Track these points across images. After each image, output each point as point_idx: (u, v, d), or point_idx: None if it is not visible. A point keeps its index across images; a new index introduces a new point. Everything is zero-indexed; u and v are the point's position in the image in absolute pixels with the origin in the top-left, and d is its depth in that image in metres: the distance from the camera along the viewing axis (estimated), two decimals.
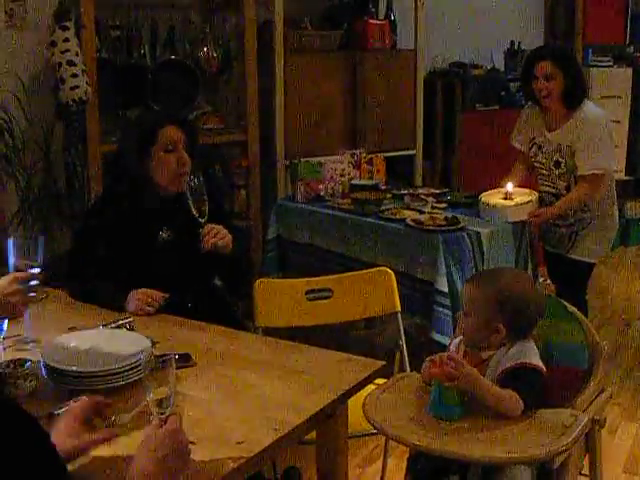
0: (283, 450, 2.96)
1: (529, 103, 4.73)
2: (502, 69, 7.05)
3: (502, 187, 4.63)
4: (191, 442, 2.10)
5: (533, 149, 4.65)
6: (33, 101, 4.81)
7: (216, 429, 2.20)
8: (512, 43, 7.07)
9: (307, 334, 3.38)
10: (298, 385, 2.46)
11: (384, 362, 2.60)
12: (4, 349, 2.67)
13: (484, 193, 4.64)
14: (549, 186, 4.58)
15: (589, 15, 7.44)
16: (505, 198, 4.55)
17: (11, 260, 2.65)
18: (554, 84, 4.38)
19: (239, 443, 2.10)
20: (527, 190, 4.64)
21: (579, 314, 2.72)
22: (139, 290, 3.09)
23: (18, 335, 2.81)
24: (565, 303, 2.74)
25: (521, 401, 2.35)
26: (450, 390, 2.36)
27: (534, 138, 4.62)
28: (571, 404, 2.47)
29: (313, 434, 2.55)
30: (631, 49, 7.80)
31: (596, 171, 4.35)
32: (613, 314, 5.99)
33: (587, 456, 2.66)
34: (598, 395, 2.59)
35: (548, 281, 5.26)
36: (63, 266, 3.37)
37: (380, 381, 2.63)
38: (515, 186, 4.63)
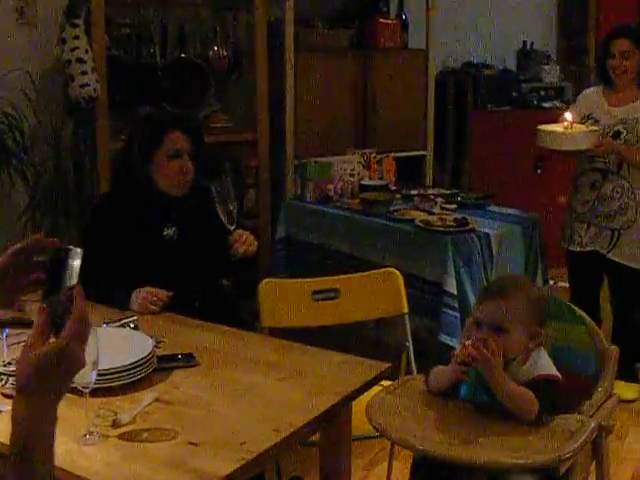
0: (287, 452, 2.98)
1: (585, 90, 4.74)
2: (514, 69, 6.99)
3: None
4: (193, 443, 2.10)
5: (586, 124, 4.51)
6: (43, 99, 4.80)
7: (218, 430, 2.18)
8: (524, 43, 7.02)
9: (314, 334, 3.36)
10: (301, 386, 2.45)
11: (390, 364, 2.58)
12: (8, 347, 2.65)
13: (541, 125, 4.50)
14: (599, 162, 4.44)
15: (602, 13, 7.38)
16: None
17: None
18: (631, 62, 4.37)
19: (241, 444, 2.08)
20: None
21: (587, 318, 2.69)
22: (143, 289, 3.08)
23: (22, 332, 2.81)
24: (574, 307, 2.71)
25: (537, 403, 2.32)
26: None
27: (591, 114, 4.50)
28: (578, 410, 2.44)
29: (317, 436, 2.54)
30: None
31: None
32: None
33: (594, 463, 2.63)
34: (606, 401, 2.55)
35: (560, 284, 5.26)
36: None
37: (386, 383, 2.61)
38: None
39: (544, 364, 2.44)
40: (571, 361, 2.61)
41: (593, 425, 2.32)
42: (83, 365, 1.52)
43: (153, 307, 3.04)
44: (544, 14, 7.41)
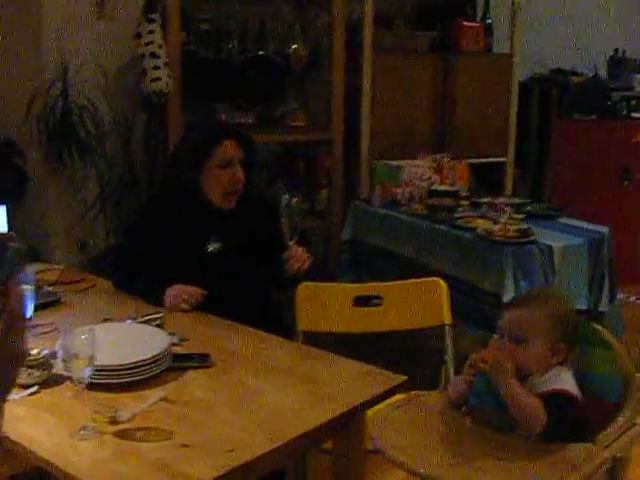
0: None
1: None
2: (605, 77, 6.80)
3: None
4: (185, 445, 2.09)
5: None
6: (117, 92, 4.86)
7: (212, 434, 2.16)
8: (616, 51, 6.83)
9: (358, 341, 3.32)
10: (310, 395, 2.40)
11: (406, 377, 2.51)
12: (36, 336, 2.68)
13: None
14: None
15: None
16: None
17: None
18: None
19: (230, 451, 2.05)
20: None
21: (614, 342, 2.58)
22: (177, 286, 3.07)
23: (52, 323, 2.84)
24: (600, 329, 2.61)
25: (544, 417, 2.25)
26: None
27: None
28: (594, 438, 2.34)
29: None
30: None
31: None
32: None
33: None
34: (626, 431, 2.44)
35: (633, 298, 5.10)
36: (110, 257, 3.39)
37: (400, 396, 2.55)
38: None
39: (564, 380, 2.36)
40: (595, 386, 2.51)
41: (603, 457, 2.22)
42: (24, 355, 1.49)
43: (184, 305, 3.03)
44: (638, 22, 7.20)
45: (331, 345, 2.86)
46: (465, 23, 5.62)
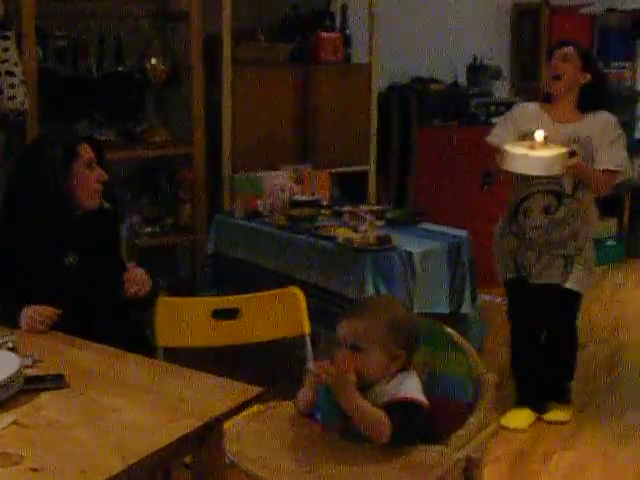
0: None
1: (520, 103, 4.53)
2: (465, 84, 6.95)
3: (524, 139, 3.99)
4: (34, 469, 2.06)
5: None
6: None
7: (64, 456, 2.12)
8: (475, 58, 6.99)
9: (223, 355, 3.33)
10: (167, 411, 2.39)
11: (262, 389, 2.53)
12: None
13: (507, 145, 3.90)
14: (552, 183, 4.07)
15: (554, 29, 7.37)
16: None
17: None
18: (569, 66, 4.04)
19: (82, 472, 2.03)
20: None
21: (466, 344, 2.65)
22: (31, 307, 3.02)
23: None
24: (452, 332, 2.67)
25: (388, 425, 2.29)
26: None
27: (533, 132, 3.88)
28: (447, 440, 2.40)
29: None
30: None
31: (619, 168, 4.06)
32: None
33: None
34: (480, 431, 2.51)
35: (499, 300, 5.21)
36: None
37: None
38: None
39: (408, 387, 2.40)
40: (448, 388, 2.57)
41: (455, 457, 2.27)
42: None
43: (40, 327, 2.98)
44: (497, 30, 7.40)
45: (195, 361, 2.86)
46: (323, 34, 5.69)
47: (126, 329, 3.26)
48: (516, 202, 4.24)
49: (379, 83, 6.05)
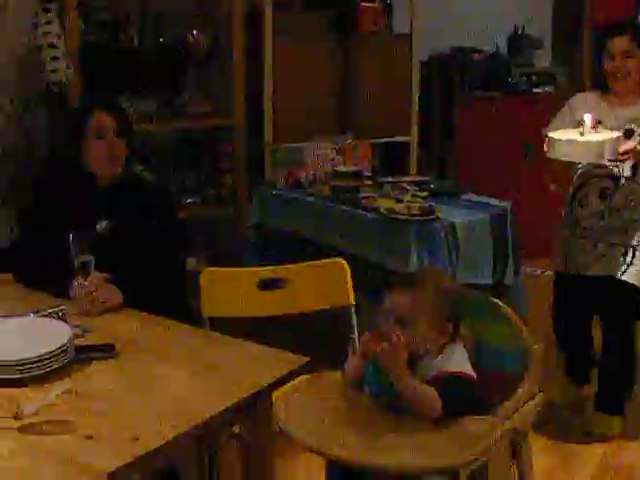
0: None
1: (578, 94, 4.08)
2: (505, 54, 6.90)
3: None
4: (89, 437, 2.09)
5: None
6: (17, 84, 4.78)
7: (116, 423, 2.17)
8: (516, 27, 6.93)
9: (267, 327, 3.34)
10: (216, 380, 2.43)
11: (308, 358, 2.55)
12: None
13: (551, 132, 3.64)
14: (607, 166, 3.74)
15: None
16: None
17: None
18: (633, 63, 3.74)
19: (135, 439, 2.07)
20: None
21: (515, 317, 2.63)
22: (84, 289, 2.97)
23: None
24: (499, 303, 2.67)
25: (439, 402, 2.29)
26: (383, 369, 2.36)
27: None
28: (495, 411, 2.40)
29: None
30: None
31: None
32: None
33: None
34: (527, 402, 2.50)
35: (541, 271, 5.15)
36: (12, 254, 3.37)
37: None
38: None
39: (456, 360, 2.39)
40: (495, 361, 2.57)
41: (501, 429, 2.27)
42: None
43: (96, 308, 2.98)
44: None
45: (239, 330, 2.88)
46: (363, 3, 5.64)
47: (169, 298, 3.25)
48: (572, 192, 3.96)
49: (420, 53, 6.01)
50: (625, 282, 3.82)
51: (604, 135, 3.52)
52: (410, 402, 2.30)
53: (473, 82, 6.45)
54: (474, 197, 4.72)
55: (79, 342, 2.61)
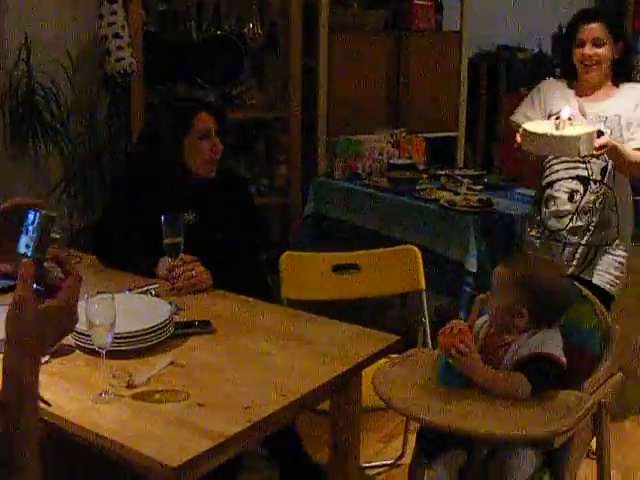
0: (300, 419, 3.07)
1: (548, 78, 4.03)
2: (549, 53, 6.98)
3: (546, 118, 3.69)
4: (201, 405, 2.19)
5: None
6: (81, 73, 4.90)
7: (225, 394, 2.27)
8: (560, 27, 7.00)
9: (339, 311, 3.43)
10: (312, 355, 2.52)
11: (398, 337, 2.65)
12: None
13: (527, 123, 3.55)
14: (579, 168, 3.66)
15: None
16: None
17: None
18: (603, 51, 3.59)
19: (246, 408, 2.16)
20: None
21: (593, 297, 2.74)
22: (180, 270, 3.06)
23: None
24: (580, 286, 2.77)
25: (529, 386, 2.39)
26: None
27: (559, 110, 3.54)
28: (580, 387, 2.49)
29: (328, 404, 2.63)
30: None
31: None
32: None
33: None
34: (608, 379, 2.60)
35: None
36: (93, 235, 3.47)
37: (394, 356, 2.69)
38: None
39: (552, 344, 2.48)
40: (577, 338, 2.66)
41: (591, 402, 2.37)
42: (77, 322, 1.58)
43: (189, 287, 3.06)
44: None
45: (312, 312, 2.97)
46: (417, 2, 5.74)
47: (250, 279, 3.34)
48: (540, 192, 3.88)
49: (468, 51, 6.09)
50: (595, 284, 3.69)
51: (581, 129, 3.37)
52: (493, 391, 2.39)
53: (518, 80, 6.52)
54: (526, 191, 4.80)
55: (175, 318, 2.71)
